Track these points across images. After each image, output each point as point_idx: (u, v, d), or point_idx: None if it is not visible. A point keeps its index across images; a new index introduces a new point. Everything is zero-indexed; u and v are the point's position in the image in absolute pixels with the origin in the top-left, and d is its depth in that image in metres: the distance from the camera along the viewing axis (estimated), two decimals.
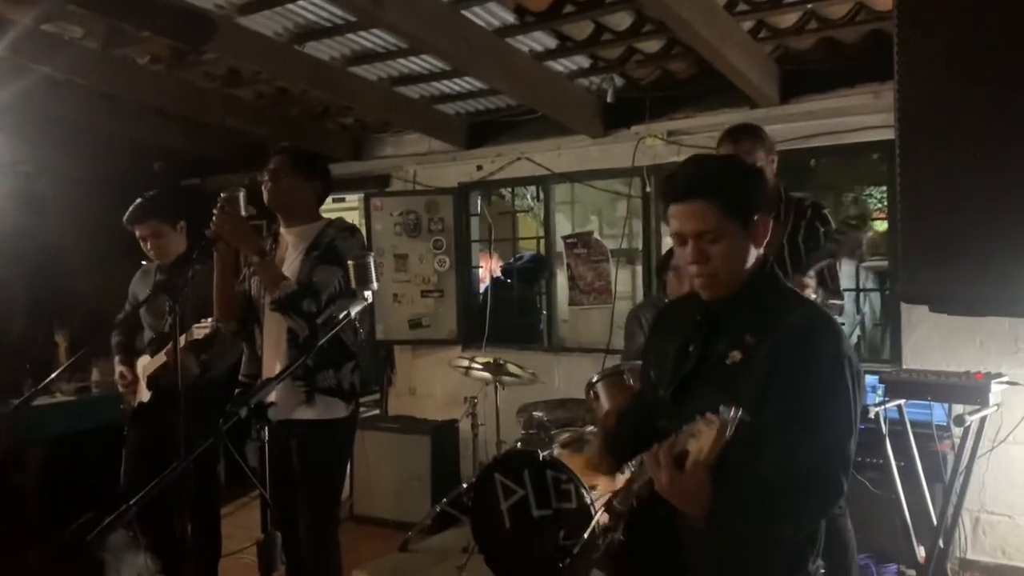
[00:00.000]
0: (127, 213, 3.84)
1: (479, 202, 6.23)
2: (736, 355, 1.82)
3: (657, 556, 2.05)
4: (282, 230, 3.24)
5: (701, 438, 1.59)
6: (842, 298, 3.37)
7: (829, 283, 3.28)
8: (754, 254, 1.91)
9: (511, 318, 6.18)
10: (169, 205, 3.92)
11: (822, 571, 1.93)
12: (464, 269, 6.07)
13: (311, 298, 2.96)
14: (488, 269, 6.51)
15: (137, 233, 3.85)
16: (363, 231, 5.90)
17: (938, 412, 3.83)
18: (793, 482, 1.71)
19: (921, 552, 3.45)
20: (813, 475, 1.72)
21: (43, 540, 4.30)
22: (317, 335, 2.82)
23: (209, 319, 3.38)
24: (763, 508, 1.72)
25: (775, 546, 1.87)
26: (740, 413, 1.55)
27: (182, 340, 3.56)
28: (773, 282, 1.97)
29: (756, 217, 1.88)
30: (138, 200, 3.87)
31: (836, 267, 3.30)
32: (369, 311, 5.37)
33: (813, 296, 3.15)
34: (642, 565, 2.09)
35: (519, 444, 4.06)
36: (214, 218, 2.94)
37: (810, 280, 3.15)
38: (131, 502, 1.89)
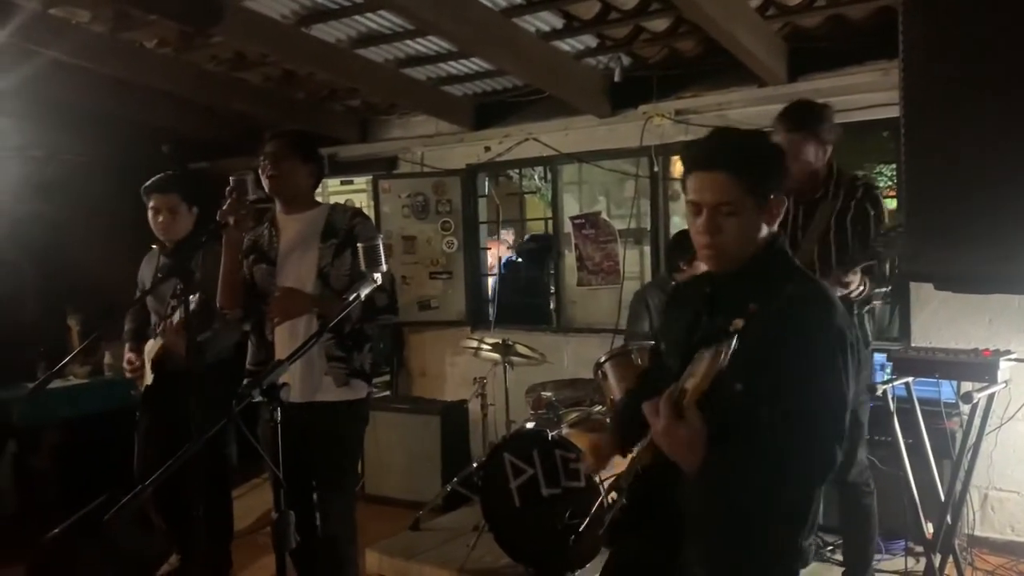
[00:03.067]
0: (149, 182, 3.83)
1: (487, 183, 6.23)
2: (738, 323, 1.82)
3: (658, 526, 2.07)
4: (280, 215, 3.19)
5: (697, 372, 1.63)
6: (888, 285, 3.29)
7: (876, 272, 3.16)
8: (765, 231, 1.93)
9: (520, 299, 6.18)
10: (191, 186, 3.94)
11: (814, 547, 1.96)
12: (472, 250, 6.08)
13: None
14: (496, 251, 6.51)
15: (151, 203, 3.83)
16: (371, 213, 5.92)
17: (946, 389, 3.84)
18: (786, 449, 1.74)
19: (929, 528, 3.46)
20: (806, 444, 1.75)
21: (58, 521, 4.35)
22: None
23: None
24: (755, 470, 1.76)
25: (771, 520, 1.90)
26: (734, 341, 1.58)
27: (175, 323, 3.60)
28: (782, 258, 1.99)
29: (772, 196, 1.91)
30: (162, 173, 3.88)
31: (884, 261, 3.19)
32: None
33: (860, 289, 3.06)
34: (643, 535, 2.11)
35: (528, 424, 4.08)
36: (225, 204, 2.95)
37: (853, 276, 3.01)
38: (145, 484, 1.92)
